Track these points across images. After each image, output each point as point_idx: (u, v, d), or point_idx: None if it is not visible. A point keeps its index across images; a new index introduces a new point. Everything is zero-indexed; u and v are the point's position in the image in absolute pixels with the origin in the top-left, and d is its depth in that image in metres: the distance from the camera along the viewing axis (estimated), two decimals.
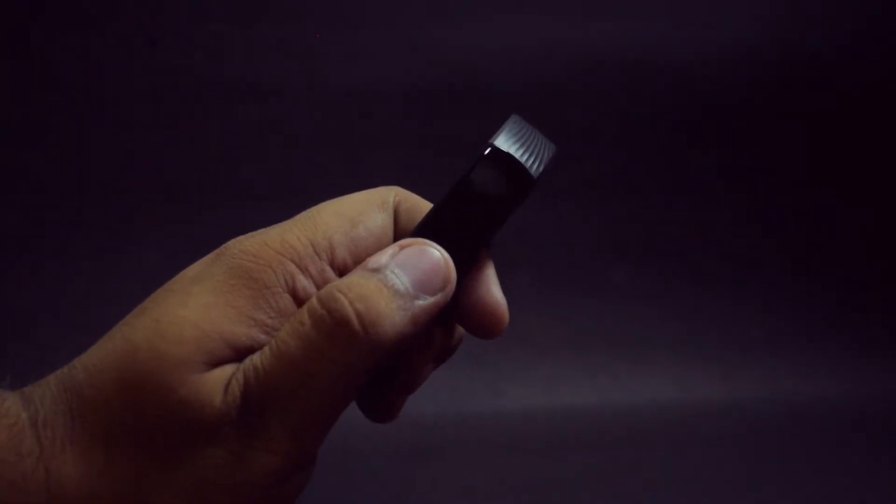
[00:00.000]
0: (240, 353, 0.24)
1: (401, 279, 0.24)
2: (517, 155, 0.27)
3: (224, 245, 0.26)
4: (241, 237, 0.26)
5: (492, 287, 0.27)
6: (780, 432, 0.77)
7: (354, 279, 0.24)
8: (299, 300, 0.25)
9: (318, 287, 0.25)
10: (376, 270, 0.24)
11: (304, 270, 0.25)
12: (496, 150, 0.27)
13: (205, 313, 0.24)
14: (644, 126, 0.90)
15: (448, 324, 0.28)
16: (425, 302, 0.25)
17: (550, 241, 0.85)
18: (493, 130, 0.28)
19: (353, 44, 0.85)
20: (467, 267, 0.27)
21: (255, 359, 0.24)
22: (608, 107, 0.89)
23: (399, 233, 0.27)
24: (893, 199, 0.92)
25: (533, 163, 0.27)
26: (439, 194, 0.27)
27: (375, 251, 0.26)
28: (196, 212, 0.82)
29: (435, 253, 0.25)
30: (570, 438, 0.75)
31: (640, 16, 0.89)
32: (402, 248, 0.25)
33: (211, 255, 0.26)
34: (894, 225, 0.92)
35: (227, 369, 0.24)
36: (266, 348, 0.24)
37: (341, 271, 0.26)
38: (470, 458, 0.71)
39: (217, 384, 0.23)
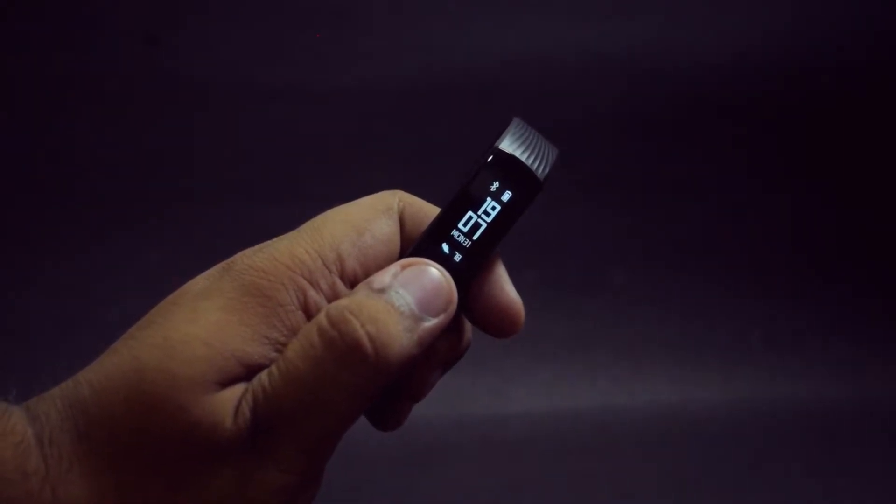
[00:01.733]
0: (252, 372, 0.24)
1: (406, 300, 0.24)
2: (523, 158, 0.26)
3: (230, 259, 0.25)
4: (248, 251, 0.25)
5: (505, 286, 0.27)
6: (780, 432, 0.77)
7: (363, 300, 0.24)
8: (311, 316, 0.24)
9: (329, 301, 0.25)
10: (381, 291, 0.24)
11: (315, 285, 0.25)
12: (501, 154, 0.26)
13: (217, 331, 0.23)
14: (644, 127, 0.90)
15: (456, 330, 0.27)
16: (429, 323, 0.24)
17: (551, 242, 0.85)
18: (494, 130, 0.27)
19: (353, 44, 0.85)
20: (478, 271, 0.26)
21: (264, 378, 0.23)
22: (609, 107, 0.89)
23: (405, 239, 0.27)
24: (893, 199, 0.92)
25: (539, 166, 0.26)
26: (440, 195, 0.27)
27: (385, 259, 0.26)
28: (196, 212, 0.81)
29: (436, 273, 0.25)
30: (571, 440, 0.75)
31: (640, 16, 0.88)
32: (403, 267, 0.25)
33: (217, 269, 0.25)
34: (894, 225, 0.92)
35: (238, 389, 0.23)
36: (274, 367, 0.24)
37: (352, 282, 0.25)
38: (471, 459, 0.71)
39: (228, 404, 0.23)
